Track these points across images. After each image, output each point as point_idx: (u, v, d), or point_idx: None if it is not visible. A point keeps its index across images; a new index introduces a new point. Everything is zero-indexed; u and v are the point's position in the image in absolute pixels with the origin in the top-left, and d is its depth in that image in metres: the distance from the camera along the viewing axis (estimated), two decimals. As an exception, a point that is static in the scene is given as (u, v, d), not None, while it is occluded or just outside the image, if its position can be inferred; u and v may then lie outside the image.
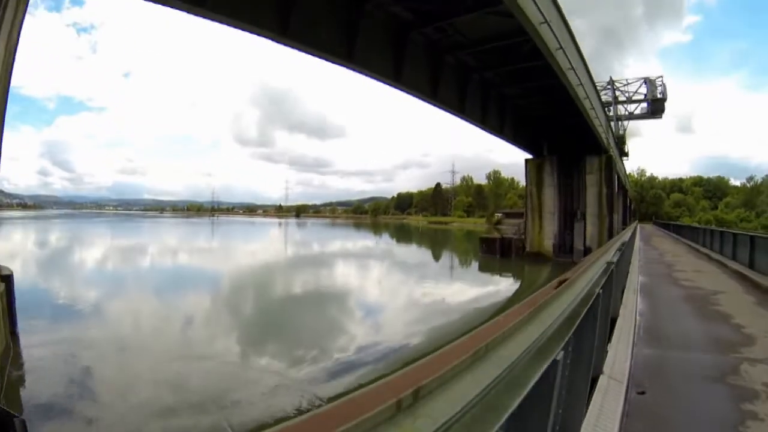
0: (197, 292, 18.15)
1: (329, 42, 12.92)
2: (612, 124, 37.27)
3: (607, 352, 3.78)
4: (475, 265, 31.20)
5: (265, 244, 48.61)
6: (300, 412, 7.09)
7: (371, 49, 13.98)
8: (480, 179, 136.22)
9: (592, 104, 20.86)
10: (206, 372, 8.93)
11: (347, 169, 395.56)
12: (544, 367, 0.98)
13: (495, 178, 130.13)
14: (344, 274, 25.30)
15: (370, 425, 0.72)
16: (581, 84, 17.66)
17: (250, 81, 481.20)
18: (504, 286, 22.20)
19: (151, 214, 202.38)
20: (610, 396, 3.20)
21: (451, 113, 19.93)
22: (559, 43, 13.17)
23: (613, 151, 29.76)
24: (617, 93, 45.15)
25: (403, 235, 71.62)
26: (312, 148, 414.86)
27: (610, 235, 24.12)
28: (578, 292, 1.92)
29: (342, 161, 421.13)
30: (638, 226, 32.32)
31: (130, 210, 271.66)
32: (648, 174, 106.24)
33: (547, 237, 28.38)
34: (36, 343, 9.86)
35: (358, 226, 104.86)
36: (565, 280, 1.81)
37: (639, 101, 45.39)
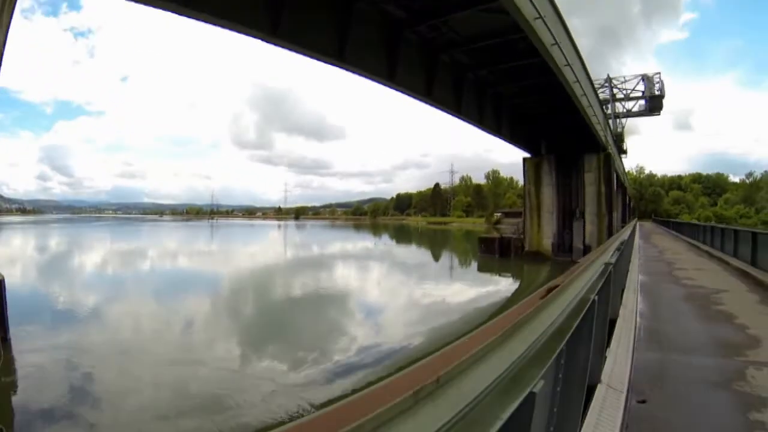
0: (196, 296, 18.04)
1: (320, 41, 12.71)
2: (610, 121, 37.11)
3: (605, 357, 3.57)
4: (474, 265, 31.07)
5: (264, 247, 48.49)
6: (299, 414, 6.99)
7: (364, 48, 13.77)
8: (479, 179, 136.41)
9: (589, 101, 20.66)
10: (204, 376, 8.78)
11: (346, 170, 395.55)
12: (516, 403, 0.78)
13: (494, 177, 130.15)
14: (343, 276, 25.18)
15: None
16: (578, 81, 17.46)
17: (247, 82, 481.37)
18: (503, 285, 22.08)
19: (150, 217, 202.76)
20: (609, 406, 2.98)
21: (447, 113, 19.74)
22: (555, 39, 12.97)
23: (612, 149, 29.57)
24: (615, 90, 45.06)
25: (402, 235, 71.46)
26: (311, 149, 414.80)
27: (610, 234, 23.93)
28: (571, 300, 1.71)
29: (341, 163, 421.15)
30: (637, 224, 32.12)
31: (129, 214, 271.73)
32: (647, 171, 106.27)
33: (546, 236, 28.17)
34: (31, 349, 9.76)
35: (357, 227, 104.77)
36: (555, 287, 1.62)
37: (637, 98, 45.31)
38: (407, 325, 13.22)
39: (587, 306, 1.76)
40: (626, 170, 62.01)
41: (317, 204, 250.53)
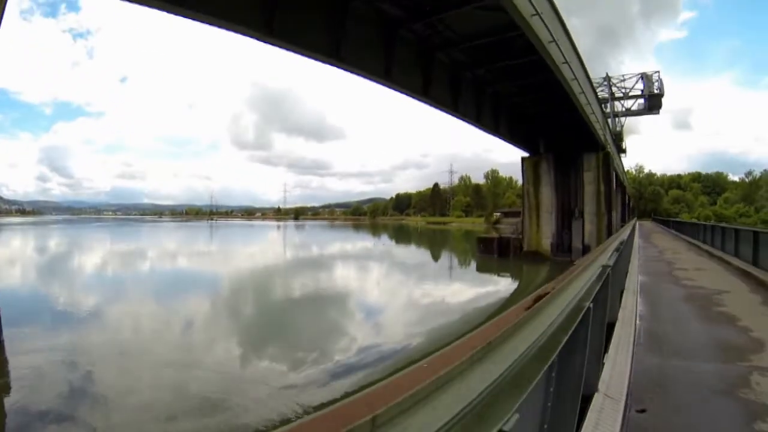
0: (194, 297, 17.91)
1: (315, 40, 12.55)
2: (609, 120, 36.95)
3: (603, 364, 3.41)
4: (473, 265, 30.92)
5: (263, 247, 48.32)
6: (297, 416, 6.86)
7: (359, 47, 13.61)
8: (479, 179, 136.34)
9: (588, 99, 20.50)
10: (199, 379, 8.63)
11: (346, 170, 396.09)
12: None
13: (493, 177, 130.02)
14: (343, 276, 25.09)
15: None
16: (576, 79, 17.29)
17: (247, 83, 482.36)
18: (502, 286, 21.97)
19: (149, 218, 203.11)
20: (606, 417, 2.82)
21: (445, 112, 19.58)
22: (552, 36, 12.80)
23: (611, 148, 29.41)
24: (614, 89, 44.91)
25: (401, 235, 71.31)
26: (310, 150, 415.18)
27: (609, 233, 23.77)
28: (563, 308, 1.55)
29: (340, 163, 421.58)
30: (637, 224, 31.97)
31: (129, 215, 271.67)
32: (646, 171, 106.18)
33: (545, 236, 27.99)
34: (26, 350, 9.70)
35: (356, 227, 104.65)
36: (544, 295, 1.46)
37: (636, 97, 45.16)
38: (407, 326, 13.18)
39: (581, 315, 1.60)
40: (626, 169, 61.90)
41: (317, 204, 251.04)
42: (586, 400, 2.91)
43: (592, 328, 2.08)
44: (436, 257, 39.40)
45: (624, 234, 11.26)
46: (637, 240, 17.42)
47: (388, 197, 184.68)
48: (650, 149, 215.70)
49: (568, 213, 27.41)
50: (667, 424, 2.93)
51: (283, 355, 10.27)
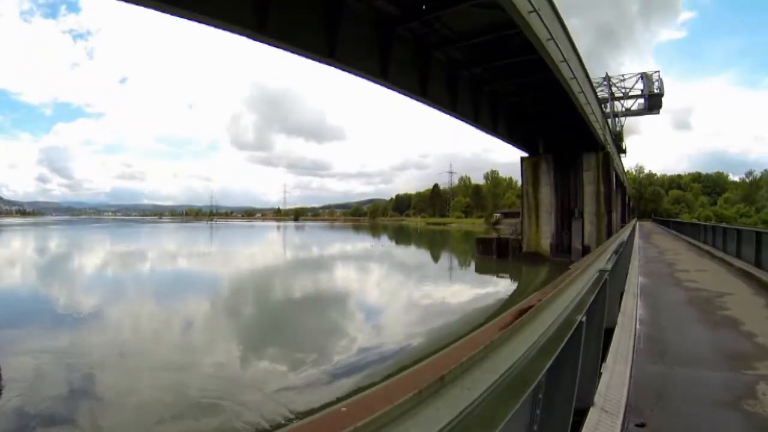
0: (194, 298, 17.73)
1: (309, 39, 12.36)
2: (609, 120, 36.74)
3: (600, 374, 3.21)
4: (472, 266, 30.72)
5: (263, 248, 48.14)
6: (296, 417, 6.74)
7: (355, 45, 13.42)
8: (478, 179, 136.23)
9: (587, 99, 20.29)
10: (198, 380, 8.52)
11: (346, 171, 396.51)
12: None
13: (493, 178, 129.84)
14: (343, 277, 24.95)
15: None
16: (575, 77, 17.08)
17: (246, 83, 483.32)
18: (502, 287, 21.80)
19: (149, 219, 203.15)
20: (603, 433, 2.62)
21: (443, 112, 19.38)
22: (550, 34, 12.59)
23: (611, 148, 29.20)
24: (613, 89, 44.68)
25: (400, 236, 71.12)
26: (310, 150, 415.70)
27: (609, 234, 23.56)
28: (550, 323, 1.35)
29: (340, 164, 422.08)
30: (637, 224, 31.77)
31: (128, 215, 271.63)
32: (646, 171, 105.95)
33: (545, 236, 27.78)
34: (18, 352, 9.57)
35: (356, 228, 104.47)
36: (528, 308, 1.27)
37: (636, 97, 44.93)
38: (407, 326, 13.14)
39: (572, 330, 1.40)
40: (626, 170, 61.68)
41: (316, 205, 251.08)
42: (581, 414, 2.71)
43: (585, 342, 1.88)
44: (435, 258, 39.21)
45: (624, 234, 11.06)
46: (637, 240, 17.21)
47: (388, 198, 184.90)
48: (650, 149, 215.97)
49: (567, 213, 27.20)
50: (669, 440, 2.74)
51: (282, 356, 10.20)
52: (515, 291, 20.27)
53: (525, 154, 29.01)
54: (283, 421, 6.74)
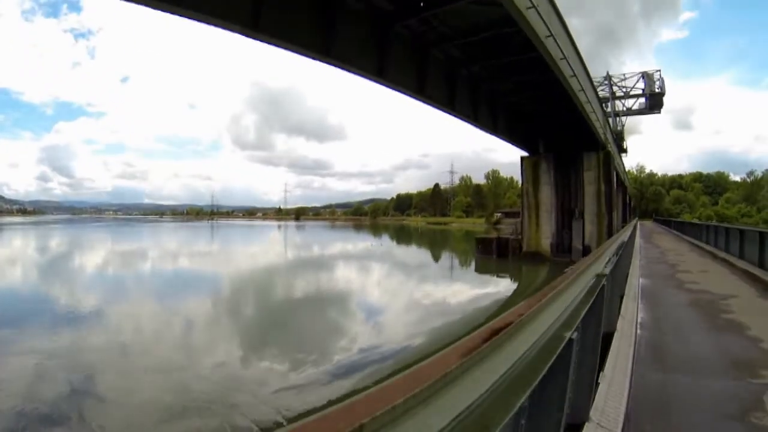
0: (195, 297, 17.62)
1: (305, 36, 12.15)
2: (610, 120, 36.49)
3: (598, 384, 3.01)
4: (472, 266, 30.52)
5: (264, 247, 48.01)
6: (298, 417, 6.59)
7: (351, 43, 13.21)
8: (479, 179, 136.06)
9: (587, 97, 20.05)
10: (200, 380, 8.39)
11: (347, 171, 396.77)
12: None
13: (494, 177, 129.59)
14: (344, 277, 24.79)
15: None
16: (575, 75, 16.84)
17: (247, 83, 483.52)
18: (502, 287, 21.63)
19: (150, 218, 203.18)
20: (600, 452, 2.43)
21: (441, 110, 19.15)
22: (549, 31, 12.37)
23: (612, 147, 28.94)
24: (614, 88, 44.44)
25: (401, 236, 70.89)
26: (311, 150, 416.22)
27: (610, 234, 23.33)
28: (533, 342, 1.15)
29: (341, 163, 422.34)
30: (638, 224, 31.51)
31: (129, 214, 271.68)
32: (647, 171, 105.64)
33: (545, 236, 27.54)
34: (18, 352, 9.55)
35: (357, 228, 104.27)
36: (505, 327, 1.07)
37: (637, 96, 44.67)
38: (407, 326, 13.07)
39: (560, 349, 1.20)
40: (627, 169, 61.41)
41: (318, 204, 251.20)
42: (576, 430, 2.51)
43: (580, 355, 1.68)
44: (435, 258, 39.01)
45: (625, 235, 10.85)
46: (638, 241, 17.00)
47: (389, 197, 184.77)
48: (651, 149, 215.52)
49: (568, 213, 26.96)
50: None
51: (283, 356, 10.13)
52: (515, 291, 20.15)
53: (525, 154, 28.78)
54: (282, 421, 6.67)
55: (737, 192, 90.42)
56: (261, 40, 11.71)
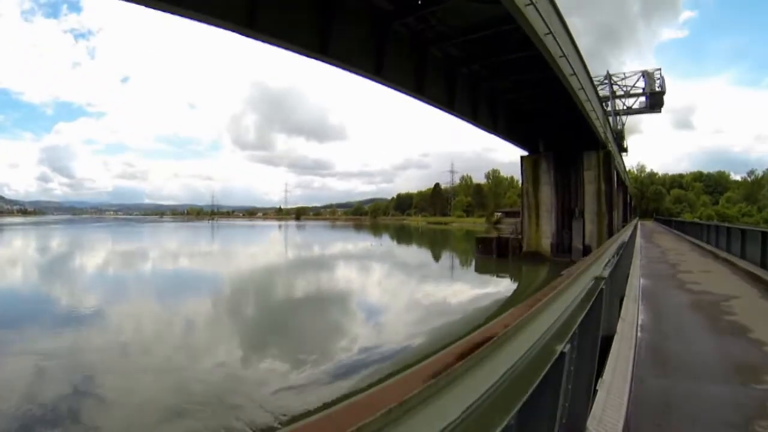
0: (196, 297, 17.51)
1: (301, 34, 12.03)
2: (610, 119, 36.31)
3: (596, 392, 2.89)
4: (473, 265, 30.40)
5: (265, 248, 47.93)
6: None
7: (348, 41, 13.07)
8: (480, 179, 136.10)
9: (587, 96, 19.90)
10: (201, 380, 8.35)
11: (347, 170, 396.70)
12: None
13: (494, 177, 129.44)
14: (344, 277, 24.74)
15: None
16: (575, 74, 16.70)
17: (247, 82, 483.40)
18: (503, 287, 21.57)
19: (150, 218, 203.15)
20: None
21: (440, 109, 19.01)
22: (548, 28, 12.23)
23: (612, 147, 28.78)
24: (615, 87, 44.26)
25: (402, 236, 70.76)
26: (312, 150, 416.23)
27: (610, 233, 23.19)
28: (518, 357, 1.02)
29: (342, 163, 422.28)
30: (639, 223, 31.36)
31: (130, 215, 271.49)
32: (648, 170, 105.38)
33: (545, 236, 27.39)
34: (18, 352, 9.58)
35: (357, 227, 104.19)
36: (486, 341, 0.95)
37: (637, 95, 44.47)
38: (407, 325, 13.04)
39: (549, 365, 1.07)
40: (627, 169, 61.23)
41: (318, 204, 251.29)
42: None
43: (575, 366, 1.56)
44: (436, 258, 38.90)
45: (625, 234, 10.72)
46: (639, 240, 16.87)
47: (389, 197, 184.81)
48: (652, 148, 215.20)
49: (568, 213, 26.81)
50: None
51: (283, 356, 10.10)
52: (516, 290, 20.06)
53: (525, 153, 28.62)
54: (282, 421, 6.64)
55: (738, 191, 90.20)
56: (258, 39, 11.61)
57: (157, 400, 7.37)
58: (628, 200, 60.00)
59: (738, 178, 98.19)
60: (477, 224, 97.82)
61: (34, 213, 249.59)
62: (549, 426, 1.15)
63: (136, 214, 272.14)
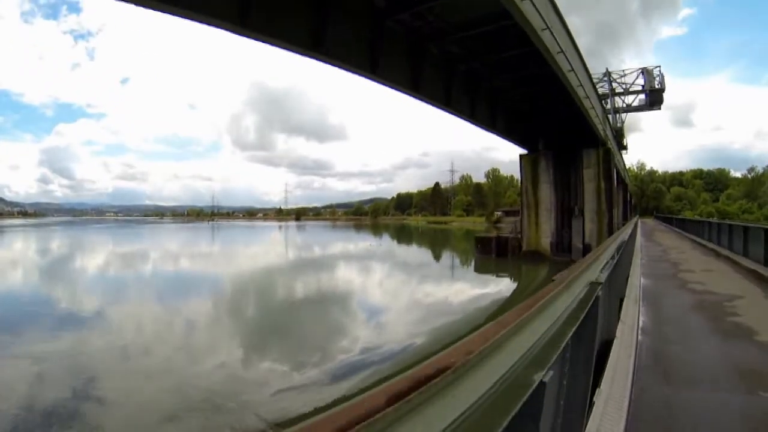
0: (197, 299, 17.44)
1: (294, 32, 11.84)
2: (609, 116, 36.07)
3: (593, 403, 2.69)
4: (472, 265, 30.22)
5: (265, 248, 47.81)
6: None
7: (342, 39, 12.86)
8: (480, 178, 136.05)
9: (586, 93, 19.67)
10: (201, 381, 8.28)
11: (347, 170, 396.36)
12: None
13: (494, 176, 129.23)
14: (345, 277, 24.64)
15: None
16: (573, 70, 16.48)
17: (247, 83, 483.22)
18: (503, 286, 21.45)
19: (151, 219, 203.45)
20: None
21: (437, 107, 18.79)
22: (546, 23, 12.02)
23: (611, 144, 28.54)
24: (614, 85, 43.99)
25: (402, 235, 70.60)
26: (312, 150, 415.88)
27: (610, 232, 22.97)
28: (497, 383, 0.83)
29: (342, 163, 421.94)
30: (639, 222, 31.13)
31: (130, 216, 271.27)
32: (648, 168, 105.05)
33: (545, 235, 27.16)
34: (19, 354, 9.53)
35: (357, 227, 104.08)
36: (445, 369, 0.79)
37: (637, 92, 44.19)
38: (408, 325, 12.99)
39: (527, 396, 0.88)
40: (627, 166, 60.99)
41: (318, 204, 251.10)
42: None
43: (567, 381, 1.37)
44: (436, 257, 38.79)
45: (625, 233, 10.52)
46: (639, 239, 16.66)
47: (389, 197, 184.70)
48: (652, 146, 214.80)
49: (567, 211, 26.58)
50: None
51: (284, 357, 10.06)
52: (516, 289, 19.92)
53: (524, 151, 28.39)
54: (282, 421, 6.55)
55: (738, 188, 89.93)
56: (251, 38, 11.41)
57: (157, 401, 7.34)
58: (628, 198, 59.77)
59: (738, 175, 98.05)
60: (477, 223, 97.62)
61: (35, 215, 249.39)
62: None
63: (137, 216, 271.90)
